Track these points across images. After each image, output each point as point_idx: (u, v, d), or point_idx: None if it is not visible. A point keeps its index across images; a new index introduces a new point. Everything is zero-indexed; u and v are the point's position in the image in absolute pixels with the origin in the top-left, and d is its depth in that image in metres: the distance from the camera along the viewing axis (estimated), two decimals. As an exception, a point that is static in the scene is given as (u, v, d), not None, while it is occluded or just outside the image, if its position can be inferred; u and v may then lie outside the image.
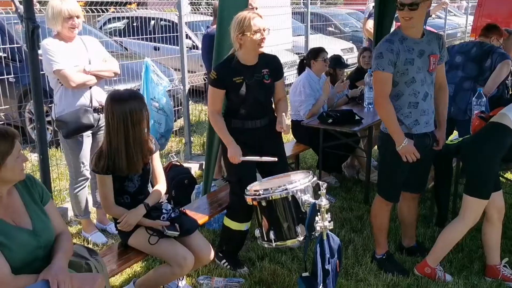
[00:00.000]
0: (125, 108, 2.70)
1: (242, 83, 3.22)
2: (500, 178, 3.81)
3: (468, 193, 3.19)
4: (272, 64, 3.35)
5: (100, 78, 3.69)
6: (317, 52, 4.96)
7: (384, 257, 3.53)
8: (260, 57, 3.29)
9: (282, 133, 3.36)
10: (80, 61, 3.57)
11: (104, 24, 8.57)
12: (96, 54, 3.71)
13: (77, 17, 3.53)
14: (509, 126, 3.10)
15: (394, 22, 6.50)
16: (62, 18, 3.46)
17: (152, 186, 3.05)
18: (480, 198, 3.16)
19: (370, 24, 7.62)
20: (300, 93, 4.81)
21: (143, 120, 2.76)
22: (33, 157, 5.24)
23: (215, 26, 3.96)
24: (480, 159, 3.17)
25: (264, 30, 3.15)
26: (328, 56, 5.09)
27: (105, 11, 5.72)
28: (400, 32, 3.16)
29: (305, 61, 5.09)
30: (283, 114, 3.33)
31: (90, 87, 3.63)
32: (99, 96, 3.71)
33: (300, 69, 5.21)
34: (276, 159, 3.21)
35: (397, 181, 3.36)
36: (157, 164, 3.04)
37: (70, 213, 4.25)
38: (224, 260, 3.53)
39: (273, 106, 3.50)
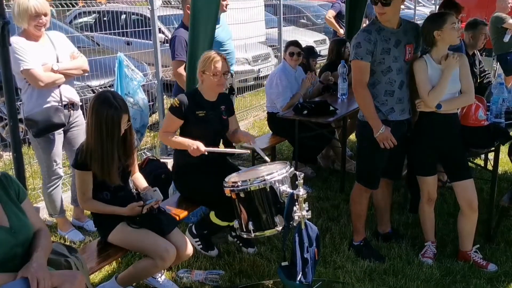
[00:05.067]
0: (103, 113, 2.67)
1: (204, 117, 3.32)
2: (470, 164, 3.93)
3: (416, 173, 3.50)
4: (226, 102, 3.50)
5: (68, 76, 3.60)
6: (287, 45, 5.05)
7: (361, 243, 3.61)
8: (218, 95, 3.43)
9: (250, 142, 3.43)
10: (48, 59, 3.48)
11: (75, 18, 8.41)
12: (63, 51, 3.62)
13: (45, 14, 3.42)
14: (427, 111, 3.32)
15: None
16: (29, 15, 3.34)
17: None
18: (421, 175, 3.46)
19: (329, 14, 7.75)
20: (277, 85, 4.85)
21: (117, 131, 2.72)
22: (5, 156, 5.14)
23: None
24: (414, 142, 3.42)
25: (224, 74, 3.26)
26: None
27: (74, 6, 5.61)
28: (377, 23, 3.24)
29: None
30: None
31: (59, 86, 3.56)
32: (68, 93, 3.64)
33: None
34: (245, 151, 3.39)
35: (376, 168, 3.44)
36: (134, 159, 3.06)
37: (42, 213, 4.15)
38: (198, 239, 3.57)
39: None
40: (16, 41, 3.39)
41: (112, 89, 4.46)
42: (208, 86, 3.32)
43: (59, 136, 3.65)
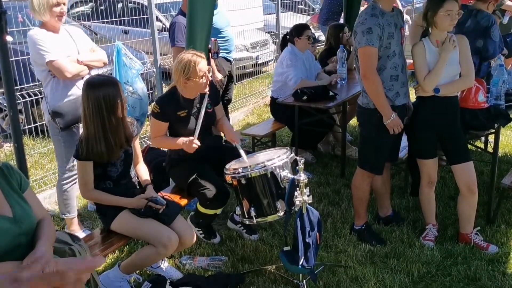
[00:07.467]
0: (99, 94, 2.68)
1: (187, 116, 3.26)
2: (470, 146, 3.94)
3: (416, 156, 3.53)
4: (211, 94, 3.35)
5: (90, 68, 3.62)
6: (301, 29, 4.95)
7: (363, 227, 3.63)
8: None
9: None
10: (71, 52, 3.49)
11: (71, 7, 8.36)
12: (83, 44, 3.63)
13: (64, 4, 3.42)
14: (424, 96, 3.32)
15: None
16: (50, 5, 3.33)
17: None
18: (421, 158, 3.48)
19: None
20: (288, 66, 4.80)
21: (118, 106, 2.74)
22: (5, 147, 5.13)
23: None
24: (413, 125, 3.43)
25: (208, 71, 3.17)
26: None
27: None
28: (378, 7, 3.19)
29: (288, 37, 5.08)
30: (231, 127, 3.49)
31: (82, 78, 3.54)
32: None
33: (283, 45, 5.18)
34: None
35: (384, 154, 3.44)
36: (137, 147, 3.08)
37: (44, 203, 4.14)
38: (199, 228, 3.59)
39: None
40: (37, 33, 3.38)
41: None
42: (194, 88, 3.21)
43: (80, 130, 3.65)
